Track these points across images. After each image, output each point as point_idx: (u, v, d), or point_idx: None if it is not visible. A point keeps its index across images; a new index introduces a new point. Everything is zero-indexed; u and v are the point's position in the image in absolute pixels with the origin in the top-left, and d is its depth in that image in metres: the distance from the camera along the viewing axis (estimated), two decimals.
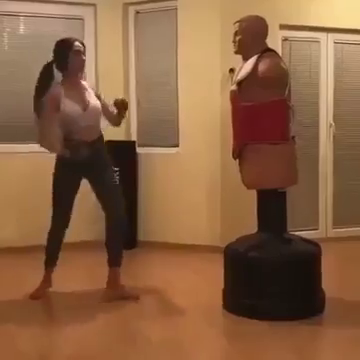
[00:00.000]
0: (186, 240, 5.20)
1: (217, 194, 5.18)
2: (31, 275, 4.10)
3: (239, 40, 3.56)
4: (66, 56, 3.74)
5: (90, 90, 3.87)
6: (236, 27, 3.59)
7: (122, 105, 3.85)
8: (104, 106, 3.92)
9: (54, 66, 3.81)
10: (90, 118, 3.77)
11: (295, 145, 3.61)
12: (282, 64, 3.54)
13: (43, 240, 3.97)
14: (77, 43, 3.80)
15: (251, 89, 3.48)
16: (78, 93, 3.79)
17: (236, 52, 3.61)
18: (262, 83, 3.43)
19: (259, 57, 3.47)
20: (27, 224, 5.26)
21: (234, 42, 3.60)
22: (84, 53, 3.82)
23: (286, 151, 3.52)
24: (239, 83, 3.53)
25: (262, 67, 3.43)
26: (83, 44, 3.85)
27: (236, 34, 3.58)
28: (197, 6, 5.14)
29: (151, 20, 5.50)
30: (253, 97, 3.47)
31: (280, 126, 3.48)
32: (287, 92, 3.49)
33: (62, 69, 3.80)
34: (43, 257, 3.94)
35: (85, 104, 3.76)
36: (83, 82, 3.89)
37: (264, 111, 3.46)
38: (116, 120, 4.00)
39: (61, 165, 3.86)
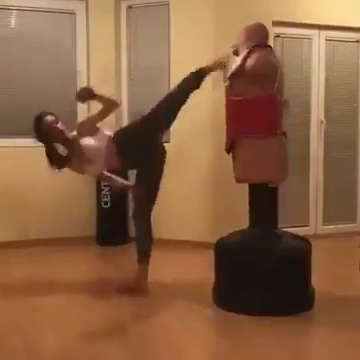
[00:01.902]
0: (177, 236, 5.20)
1: (208, 190, 5.19)
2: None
3: (237, 44, 3.59)
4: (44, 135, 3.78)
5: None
6: (242, 33, 3.59)
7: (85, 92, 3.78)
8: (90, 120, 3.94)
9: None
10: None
11: (286, 140, 3.63)
12: (272, 59, 3.54)
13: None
14: (48, 117, 3.81)
15: (240, 84, 3.50)
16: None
17: (233, 53, 3.64)
18: (250, 78, 3.45)
19: (249, 52, 3.48)
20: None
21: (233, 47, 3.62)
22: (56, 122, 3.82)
23: (274, 146, 3.52)
24: (231, 77, 3.55)
25: (250, 62, 3.46)
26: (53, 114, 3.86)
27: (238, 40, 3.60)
28: (190, 2, 5.14)
29: (144, 15, 5.48)
30: (242, 91, 3.49)
31: (268, 121, 3.48)
32: (277, 87, 3.48)
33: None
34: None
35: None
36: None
37: (252, 105, 3.48)
38: (105, 108, 3.86)
39: None
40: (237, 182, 3.65)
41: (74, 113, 5.41)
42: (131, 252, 4.68)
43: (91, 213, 5.42)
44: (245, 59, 3.48)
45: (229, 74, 3.58)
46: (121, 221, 5.41)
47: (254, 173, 3.52)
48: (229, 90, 3.59)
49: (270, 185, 3.55)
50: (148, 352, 2.95)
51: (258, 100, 3.46)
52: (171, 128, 5.27)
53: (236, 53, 3.61)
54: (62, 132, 3.82)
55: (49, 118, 3.82)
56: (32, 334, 3.16)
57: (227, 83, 3.60)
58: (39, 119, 3.81)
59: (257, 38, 3.57)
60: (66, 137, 3.83)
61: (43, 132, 3.79)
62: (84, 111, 5.34)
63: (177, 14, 5.22)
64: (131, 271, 3.95)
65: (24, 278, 4.27)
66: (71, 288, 4.00)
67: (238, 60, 3.53)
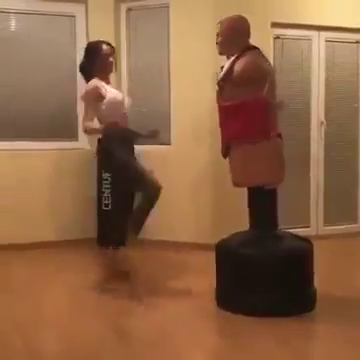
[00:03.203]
0: (177, 237, 5.20)
1: (208, 192, 5.19)
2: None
3: (220, 41, 3.58)
4: (94, 59, 4.12)
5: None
6: (218, 28, 3.60)
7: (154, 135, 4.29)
8: None
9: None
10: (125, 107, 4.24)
11: (281, 142, 3.62)
12: (260, 62, 3.52)
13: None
14: (105, 46, 4.20)
15: (230, 89, 3.51)
16: (113, 87, 4.29)
17: (220, 53, 3.64)
18: (238, 82, 3.44)
19: (237, 56, 3.48)
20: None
21: (217, 43, 3.62)
22: (113, 55, 4.21)
23: (268, 149, 3.50)
24: (220, 82, 3.55)
25: (238, 67, 3.45)
26: (111, 45, 4.30)
27: (218, 35, 3.60)
28: (189, 3, 5.14)
29: (143, 17, 5.48)
30: (232, 96, 3.49)
31: (260, 124, 3.46)
32: (267, 89, 3.46)
33: (94, 70, 4.14)
34: None
35: (122, 95, 4.30)
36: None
37: (242, 110, 3.46)
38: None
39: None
40: (234, 186, 3.65)
41: (73, 116, 5.42)
42: (129, 255, 4.70)
43: (91, 215, 5.42)
44: (233, 64, 3.47)
45: (219, 79, 3.58)
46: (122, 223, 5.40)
47: (250, 177, 3.52)
48: (220, 95, 3.59)
49: (267, 187, 3.54)
50: (149, 353, 2.95)
51: (248, 104, 3.44)
52: (171, 130, 5.31)
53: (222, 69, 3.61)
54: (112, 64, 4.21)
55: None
56: (33, 335, 3.16)
57: (217, 88, 3.60)
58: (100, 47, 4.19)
59: (245, 39, 3.56)
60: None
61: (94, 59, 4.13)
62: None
63: (177, 16, 5.22)
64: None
65: (25, 280, 4.27)
66: (71, 290, 4.00)
67: (227, 65, 3.53)
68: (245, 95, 3.42)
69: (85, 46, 4.37)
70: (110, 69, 4.23)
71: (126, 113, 4.25)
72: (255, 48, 3.57)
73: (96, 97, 4.06)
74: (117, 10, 5.53)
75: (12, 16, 5.37)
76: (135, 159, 4.18)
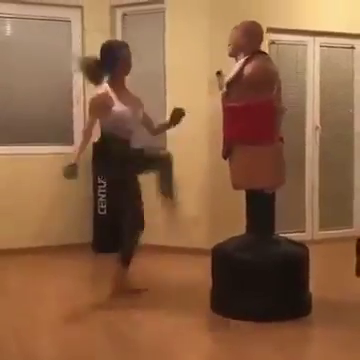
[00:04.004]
0: (174, 242, 5.20)
1: (205, 196, 5.19)
2: None
3: (233, 43, 3.62)
4: (117, 58, 3.80)
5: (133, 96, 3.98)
6: (233, 31, 3.64)
7: (180, 115, 3.98)
8: (145, 115, 4.05)
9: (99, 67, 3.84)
10: (135, 123, 3.91)
11: (282, 146, 3.64)
12: (270, 66, 3.58)
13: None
14: (128, 47, 3.91)
15: (238, 91, 3.52)
16: (126, 96, 3.90)
17: (230, 55, 3.67)
18: (247, 85, 3.46)
19: (247, 59, 3.50)
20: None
21: (229, 45, 3.65)
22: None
23: (272, 152, 3.53)
24: (228, 84, 3.56)
25: (248, 69, 3.48)
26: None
27: (231, 37, 3.63)
28: (185, 9, 5.15)
29: (139, 23, 5.49)
30: (240, 98, 3.51)
31: (265, 128, 3.49)
32: (274, 94, 3.51)
33: (111, 71, 3.84)
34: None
35: (133, 108, 3.87)
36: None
37: (249, 112, 3.49)
38: (159, 130, 4.16)
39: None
40: (234, 188, 3.65)
41: (69, 120, 5.42)
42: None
43: (87, 220, 5.41)
44: (243, 66, 3.50)
45: (226, 81, 3.60)
46: (118, 228, 5.39)
47: (251, 180, 3.53)
48: (226, 97, 3.60)
49: (266, 191, 3.56)
50: (144, 358, 2.94)
51: (256, 107, 3.47)
52: (168, 134, 5.30)
53: (219, 74, 3.63)
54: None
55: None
56: (28, 340, 3.15)
57: (224, 90, 3.62)
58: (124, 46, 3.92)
59: (256, 43, 3.60)
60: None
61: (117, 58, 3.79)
62: (80, 117, 5.36)
63: (172, 21, 5.23)
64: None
65: (21, 285, 4.27)
66: (67, 295, 3.99)
67: (236, 67, 3.55)
68: (255, 97, 3.44)
69: (106, 45, 3.94)
70: (129, 71, 3.95)
71: (131, 130, 3.92)
72: (263, 53, 3.60)
73: (100, 108, 3.76)
74: (112, 15, 5.53)
75: (7, 21, 5.37)
76: (134, 180, 3.94)
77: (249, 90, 3.46)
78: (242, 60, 3.52)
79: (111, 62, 3.80)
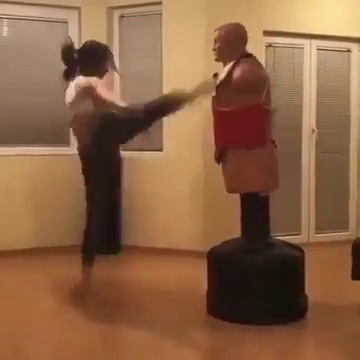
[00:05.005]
0: (169, 245, 5.19)
1: (200, 199, 5.18)
2: None
3: (218, 47, 3.61)
4: (103, 61, 4.03)
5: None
6: (216, 35, 3.63)
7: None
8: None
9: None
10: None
11: (275, 149, 3.63)
12: (258, 70, 3.56)
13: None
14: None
15: (227, 95, 3.52)
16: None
17: (216, 59, 3.67)
18: (236, 89, 3.46)
19: (235, 63, 3.50)
20: None
21: (214, 49, 3.65)
22: None
23: (263, 155, 3.52)
24: (217, 88, 3.56)
25: (236, 73, 3.47)
26: None
27: (216, 42, 3.63)
28: (182, 11, 5.16)
29: (136, 24, 5.50)
30: (229, 102, 3.50)
31: (255, 131, 3.49)
32: (264, 97, 3.49)
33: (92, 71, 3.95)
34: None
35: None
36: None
37: (238, 116, 3.48)
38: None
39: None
40: (228, 192, 3.65)
41: (65, 122, 5.39)
42: (122, 262, 4.70)
43: (84, 221, 5.39)
44: (232, 70, 3.49)
45: (216, 85, 3.59)
46: (111, 230, 5.38)
47: (244, 183, 3.53)
48: (216, 101, 3.61)
49: (261, 194, 3.55)
50: None
51: (246, 111, 3.46)
52: (163, 137, 5.30)
53: (216, 76, 3.63)
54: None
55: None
56: (22, 345, 3.14)
57: (214, 94, 3.61)
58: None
59: (241, 45, 3.59)
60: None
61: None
62: None
63: (169, 23, 5.23)
64: (121, 281, 3.93)
65: (15, 288, 4.24)
66: (61, 298, 3.97)
67: (224, 71, 3.55)
68: (244, 101, 3.44)
69: (91, 44, 4.16)
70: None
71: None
72: (251, 55, 3.60)
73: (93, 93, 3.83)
74: (110, 17, 5.54)
75: (5, 21, 5.37)
76: (111, 161, 4.08)
77: (238, 94, 3.45)
78: (230, 64, 3.51)
79: (99, 63, 4.02)
